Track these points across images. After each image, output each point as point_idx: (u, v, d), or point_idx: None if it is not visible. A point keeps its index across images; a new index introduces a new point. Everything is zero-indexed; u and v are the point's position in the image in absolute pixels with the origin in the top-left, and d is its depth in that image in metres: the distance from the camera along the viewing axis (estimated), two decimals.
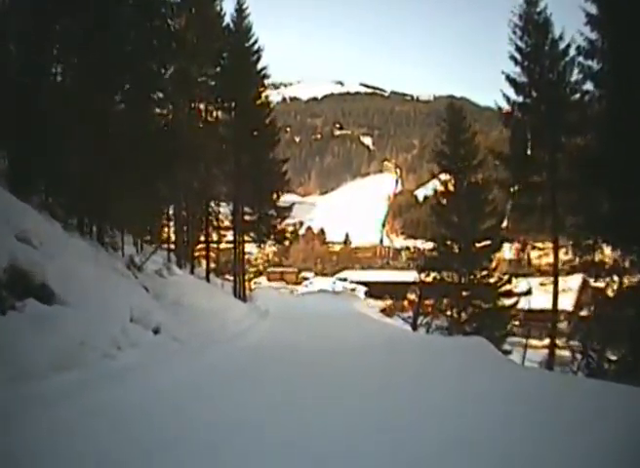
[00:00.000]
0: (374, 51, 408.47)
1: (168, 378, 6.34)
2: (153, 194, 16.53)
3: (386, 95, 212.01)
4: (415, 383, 7.13)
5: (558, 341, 28.18)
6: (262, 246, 28.86)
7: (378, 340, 14.45)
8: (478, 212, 23.93)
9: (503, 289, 23.74)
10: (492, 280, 24.09)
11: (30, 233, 7.16)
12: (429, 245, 29.03)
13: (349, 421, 4.93)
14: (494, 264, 24.81)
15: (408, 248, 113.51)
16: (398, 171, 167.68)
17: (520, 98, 18.59)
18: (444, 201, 25.67)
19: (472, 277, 23.92)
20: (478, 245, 23.99)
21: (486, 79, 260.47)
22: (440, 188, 25.97)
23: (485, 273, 24.18)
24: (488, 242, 23.98)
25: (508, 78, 18.43)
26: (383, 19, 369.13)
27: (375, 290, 49.78)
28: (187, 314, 11.01)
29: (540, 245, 21.98)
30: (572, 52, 16.88)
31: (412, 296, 57.37)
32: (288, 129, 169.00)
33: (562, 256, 18.81)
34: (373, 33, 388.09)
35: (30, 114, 9.95)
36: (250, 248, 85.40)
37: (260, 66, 25.13)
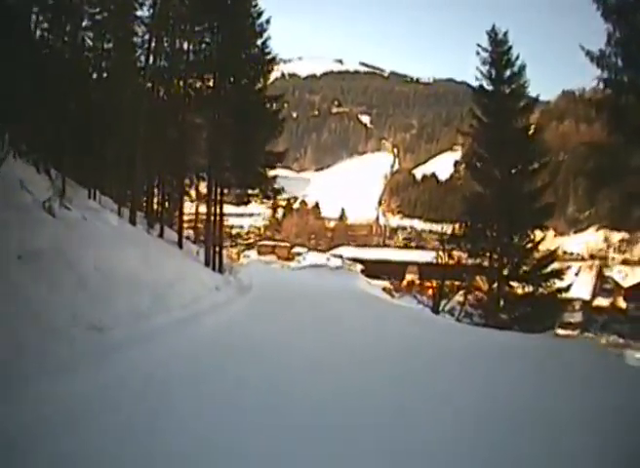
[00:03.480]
0: (374, 31, 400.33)
1: None
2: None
3: (386, 75, 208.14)
4: None
5: (572, 332, 24.83)
6: (246, 202, 22.52)
7: (413, 339, 9.83)
8: (526, 165, 19.81)
9: (550, 268, 19.38)
10: (536, 256, 19.72)
11: None
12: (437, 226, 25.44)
13: None
14: (540, 236, 20.23)
15: (404, 227, 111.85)
16: (396, 150, 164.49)
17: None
18: (482, 151, 21.05)
19: (513, 251, 19.57)
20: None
21: None
22: (476, 134, 21.51)
23: (530, 245, 19.63)
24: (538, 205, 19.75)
25: None
26: None
27: (371, 268, 46.66)
28: (70, 284, 6.00)
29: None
30: None
31: (410, 276, 55.04)
32: (285, 104, 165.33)
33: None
34: (374, 13, 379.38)
35: None
36: (240, 221, 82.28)
37: None
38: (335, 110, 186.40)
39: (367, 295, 24.03)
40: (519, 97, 20.53)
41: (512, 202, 19.32)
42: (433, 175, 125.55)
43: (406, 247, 78.20)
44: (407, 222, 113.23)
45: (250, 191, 21.61)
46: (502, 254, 19.68)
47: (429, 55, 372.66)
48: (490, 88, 20.80)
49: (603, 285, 44.80)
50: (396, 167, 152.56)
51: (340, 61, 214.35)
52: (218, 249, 20.51)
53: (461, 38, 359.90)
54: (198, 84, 20.89)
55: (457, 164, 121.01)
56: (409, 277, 53.31)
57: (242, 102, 19.38)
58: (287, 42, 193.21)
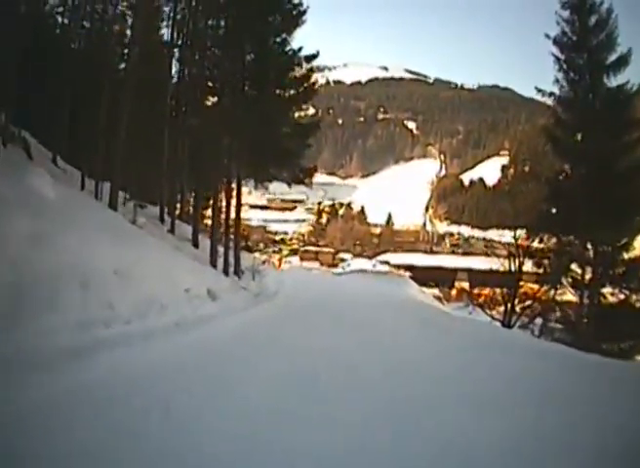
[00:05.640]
0: (418, 37, 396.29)
1: None
2: None
3: (430, 81, 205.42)
4: None
5: None
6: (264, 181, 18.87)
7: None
8: (624, 134, 16.16)
9: None
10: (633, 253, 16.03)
11: None
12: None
13: None
14: None
15: (452, 233, 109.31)
16: (442, 155, 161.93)
17: None
18: (566, 116, 17.48)
19: (607, 248, 15.84)
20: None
21: (530, 70, 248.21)
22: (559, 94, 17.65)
23: (625, 241, 15.79)
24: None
25: None
26: (430, 6, 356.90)
27: (418, 275, 45.15)
28: None
29: None
30: None
31: (460, 284, 53.09)
32: (331, 111, 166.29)
33: None
34: (418, 20, 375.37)
35: None
36: (285, 227, 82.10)
37: None
38: (380, 117, 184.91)
39: (430, 309, 20.74)
40: (609, 50, 16.86)
41: (607, 181, 15.55)
42: (481, 180, 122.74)
43: (454, 253, 75.93)
44: (454, 228, 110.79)
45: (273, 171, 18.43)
46: (595, 252, 16.10)
47: (473, 61, 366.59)
48: (573, 37, 17.29)
49: None
50: (443, 172, 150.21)
51: (385, 68, 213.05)
52: (232, 245, 17.14)
53: (505, 45, 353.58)
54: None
55: (504, 168, 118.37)
56: (458, 284, 51.56)
57: (261, 58, 16.43)
58: (332, 49, 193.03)
